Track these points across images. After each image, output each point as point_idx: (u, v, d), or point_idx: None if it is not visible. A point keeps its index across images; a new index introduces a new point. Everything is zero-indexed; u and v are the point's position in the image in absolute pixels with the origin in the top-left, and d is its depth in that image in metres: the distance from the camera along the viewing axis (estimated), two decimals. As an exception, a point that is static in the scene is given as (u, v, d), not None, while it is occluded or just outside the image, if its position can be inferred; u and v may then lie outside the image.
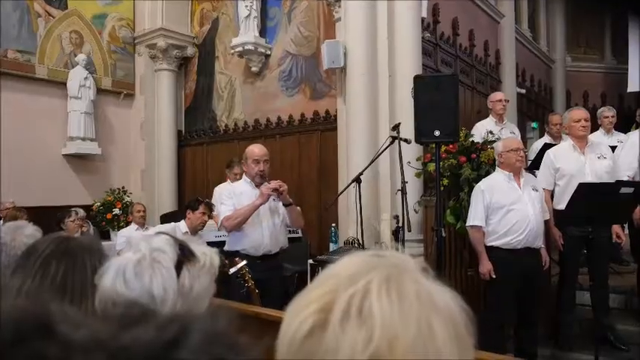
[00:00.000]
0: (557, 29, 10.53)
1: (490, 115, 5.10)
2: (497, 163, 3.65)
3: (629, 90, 8.38)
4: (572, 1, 10.56)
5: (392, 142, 3.83)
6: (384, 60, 4.95)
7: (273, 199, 3.49)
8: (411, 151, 4.25)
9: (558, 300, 3.90)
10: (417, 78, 3.70)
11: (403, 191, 3.57)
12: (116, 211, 6.78)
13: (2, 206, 5.36)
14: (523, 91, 8.50)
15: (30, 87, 6.52)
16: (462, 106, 5.28)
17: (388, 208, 4.81)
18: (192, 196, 5.25)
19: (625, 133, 5.10)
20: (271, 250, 3.52)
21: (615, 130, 5.21)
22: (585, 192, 3.27)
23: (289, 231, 4.26)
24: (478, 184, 3.68)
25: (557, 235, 3.78)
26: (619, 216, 3.57)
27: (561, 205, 3.65)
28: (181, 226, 4.14)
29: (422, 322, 0.50)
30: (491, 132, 4.52)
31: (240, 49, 6.56)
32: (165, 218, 5.89)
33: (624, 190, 3.25)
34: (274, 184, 3.43)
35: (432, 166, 4.09)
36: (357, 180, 3.86)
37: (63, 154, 6.84)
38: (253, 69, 6.73)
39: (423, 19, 5.34)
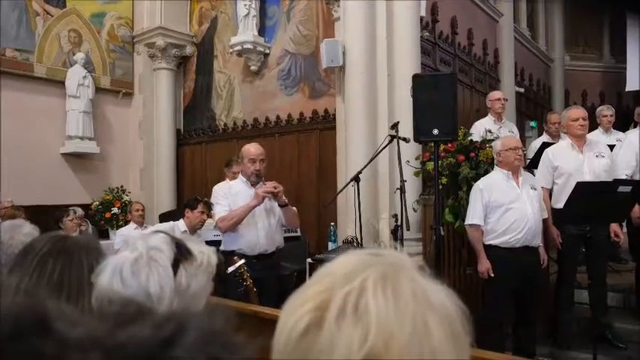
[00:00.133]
0: (555, 28, 10.53)
1: (489, 114, 5.11)
2: (495, 161, 3.65)
3: (627, 89, 8.40)
4: (571, 0, 10.56)
5: (391, 141, 3.83)
6: (383, 59, 4.95)
7: (269, 199, 3.49)
8: (410, 150, 4.25)
9: (557, 298, 3.90)
10: (415, 77, 3.70)
11: (402, 190, 3.56)
12: (115, 210, 6.78)
13: (0, 205, 5.36)
14: (522, 90, 8.50)
15: (28, 86, 6.51)
16: (461, 105, 5.28)
17: (387, 206, 4.81)
18: (191, 195, 5.24)
19: (624, 131, 5.11)
20: (267, 250, 3.51)
21: (614, 128, 5.21)
22: (583, 191, 3.27)
23: (288, 230, 4.26)
24: (477, 182, 3.68)
25: (556, 234, 3.78)
26: (617, 214, 3.57)
27: (559, 204, 3.66)
28: (180, 225, 4.14)
29: (418, 320, 0.50)
30: (489, 131, 4.52)
31: (239, 48, 6.56)
32: (164, 217, 5.90)
33: (622, 188, 3.25)
34: (269, 185, 3.42)
35: (430, 165, 4.09)
36: (356, 179, 3.86)
37: (61, 153, 6.83)
38: (252, 68, 6.73)
39: (421, 18, 5.34)
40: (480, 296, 3.81)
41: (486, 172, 3.88)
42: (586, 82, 10.53)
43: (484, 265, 3.50)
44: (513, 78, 8.05)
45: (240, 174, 3.73)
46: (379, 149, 4.02)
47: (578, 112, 3.89)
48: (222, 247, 3.50)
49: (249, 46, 6.49)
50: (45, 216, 4.56)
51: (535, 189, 3.56)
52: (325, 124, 6.07)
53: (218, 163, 6.44)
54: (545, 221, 3.67)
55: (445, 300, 0.53)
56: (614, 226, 3.76)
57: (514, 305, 3.51)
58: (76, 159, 6.95)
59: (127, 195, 7.10)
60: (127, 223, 6.05)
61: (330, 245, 5.13)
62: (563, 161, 3.82)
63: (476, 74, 7.18)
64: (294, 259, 4.85)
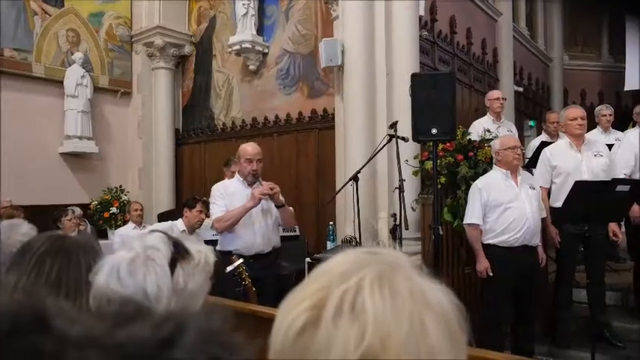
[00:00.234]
0: (554, 28, 10.53)
1: (487, 113, 5.11)
2: (494, 161, 3.66)
3: (626, 88, 8.41)
4: (570, -1, 10.58)
5: (389, 140, 3.83)
6: (382, 58, 4.95)
7: (266, 200, 3.48)
8: (409, 149, 4.25)
9: (555, 297, 3.91)
10: (414, 76, 3.70)
11: (400, 189, 3.56)
12: (113, 209, 6.78)
13: (-1, 205, 5.35)
14: (520, 89, 8.50)
15: (27, 85, 6.50)
16: (460, 104, 5.29)
17: (386, 206, 4.81)
18: (189, 195, 5.24)
19: (622, 131, 5.12)
20: (264, 250, 3.51)
21: (613, 128, 5.22)
22: (582, 190, 3.27)
23: (287, 230, 4.25)
24: (475, 182, 3.68)
25: (554, 233, 3.79)
26: (615, 214, 3.57)
27: (558, 203, 3.66)
28: (179, 225, 4.14)
29: (414, 319, 0.50)
30: (488, 130, 4.52)
31: (237, 47, 6.55)
32: (163, 217, 5.89)
33: (620, 188, 3.25)
34: (266, 186, 3.42)
35: (429, 164, 4.09)
36: (355, 178, 3.86)
37: (60, 153, 6.82)
38: (251, 67, 6.72)
39: (420, 18, 5.34)
40: (479, 295, 3.81)
41: (485, 172, 3.88)
42: (585, 82, 10.54)
43: (483, 264, 3.50)
44: (512, 77, 8.06)
45: (236, 173, 3.72)
46: (378, 148, 4.02)
47: (576, 111, 3.89)
48: (218, 247, 3.48)
49: (247, 45, 6.49)
50: (44, 216, 4.55)
51: (534, 188, 3.56)
52: (324, 123, 6.07)
53: (217, 162, 6.43)
54: (543, 220, 3.68)
55: (442, 299, 0.53)
56: (612, 226, 3.77)
57: (513, 304, 3.51)
58: (75, 159, 6.94)
59: (125, 195, 7.09)
60: (125, 222, 6.04)
61: (329, 244, 5.13)
62: (562, 160, 3.82)
63: (475, 73, 7.18)
64: (293, 259, 4.84)
